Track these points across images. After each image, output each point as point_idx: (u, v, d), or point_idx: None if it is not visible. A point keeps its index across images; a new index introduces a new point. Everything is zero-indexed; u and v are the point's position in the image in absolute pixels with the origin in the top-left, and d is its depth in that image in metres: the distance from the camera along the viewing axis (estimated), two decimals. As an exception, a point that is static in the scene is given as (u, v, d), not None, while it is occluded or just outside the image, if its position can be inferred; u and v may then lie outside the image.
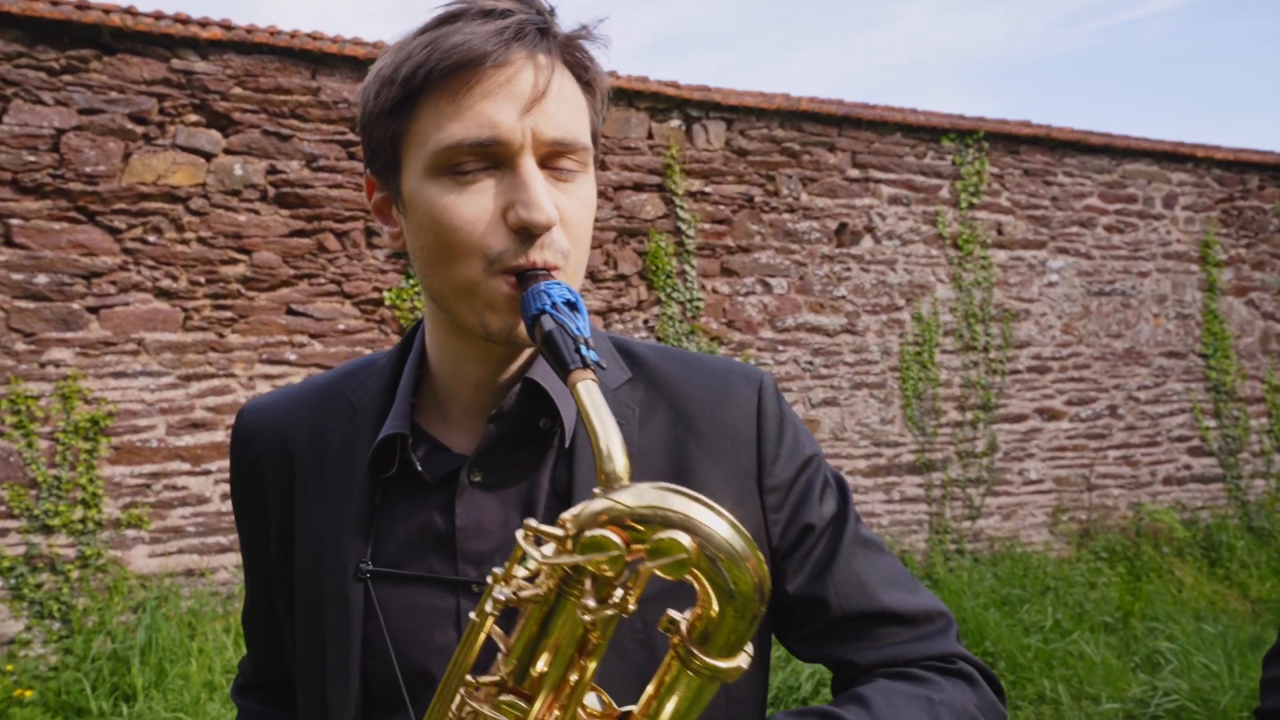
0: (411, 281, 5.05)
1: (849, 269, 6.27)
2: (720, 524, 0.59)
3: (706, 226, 5.81)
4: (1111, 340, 7.24)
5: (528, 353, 0.84)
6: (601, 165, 5.52)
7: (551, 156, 0.77)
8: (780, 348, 6.03)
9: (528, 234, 0.74)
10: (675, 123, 5.74)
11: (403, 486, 0.82)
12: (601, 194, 5.52)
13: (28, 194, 4.30)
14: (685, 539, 0.58)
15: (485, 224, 0.75)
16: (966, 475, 6.64)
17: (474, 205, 0.75)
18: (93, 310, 4.42)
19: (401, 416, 0.83)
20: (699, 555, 0.58)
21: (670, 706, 0.62)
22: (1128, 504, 7.21)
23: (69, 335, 4.36)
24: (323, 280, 4.89)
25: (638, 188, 5.62)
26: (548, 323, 0.68)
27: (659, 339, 5.66)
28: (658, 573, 0.58)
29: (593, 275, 5.50)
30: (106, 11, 4.49)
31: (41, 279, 4.31)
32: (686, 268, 5.73)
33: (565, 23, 0.82)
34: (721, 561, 0.58)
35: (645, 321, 5.65)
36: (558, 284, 0.72)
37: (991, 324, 6.76)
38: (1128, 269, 7.31)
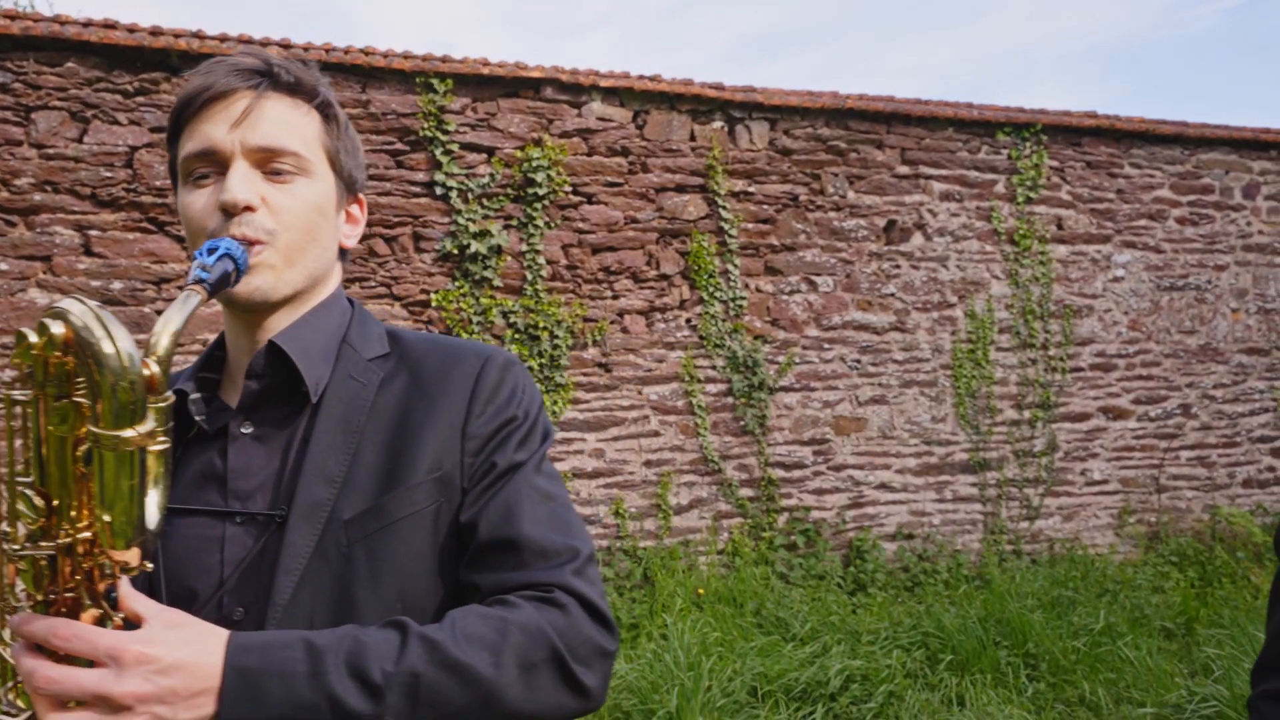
0: (458, 283, 5.26)
1: (898, 266, 6.22)
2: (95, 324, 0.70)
3: (750, 226, 5.86)
4: (1184, 336, 6.97)
5: (279, 317, 1.01)
6: (643, 168, 5.63)
7: (264, 161, 0.96)
8: (826, 346, 6.03)
9: (227, 213, 0.93)
10: (718, 124, 5.81)
11: (196, 438, 0.99)
12: (643, 195, 5.63)
13: (104, 207, 4.67)
14: (59, 328, 0.71)
15: (206, 211, 0.95)
16: (1024, 475, 6.50)
17: (201, 199, 0.96)
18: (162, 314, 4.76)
19: (186, 380, 1.02)
20: (75, 338, 0.71)
21: (101, 482, 0.73)
22: (1202, 507, 6.93)
23: (141, 337, 4.71)
24: (373, 283, 5.14)
25: (680, 189, 5.71)
26: (193, 265, 0.85)
27: (702, 338, 5.75)
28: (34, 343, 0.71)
29: (635, 276, 5.62)
30: (176, 36, 4.84)
31: (117, 285, 4.68)
32: (729, 267, 5.79)
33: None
34: (90, 342, 0.70)
35: (688, 320, 5.74)
36: (223, 240, 0.88)
37: (1051, 320, 6.60)
38: (1203, 262, 7.02)
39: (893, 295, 6.21)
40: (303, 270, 0.99)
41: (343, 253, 1.10)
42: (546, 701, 0.86)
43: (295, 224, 0.97)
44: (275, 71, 0.99)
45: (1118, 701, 4.42)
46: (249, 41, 4.97)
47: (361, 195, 1.12)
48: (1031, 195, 6.53)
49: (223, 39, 4.94)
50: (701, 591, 5.33)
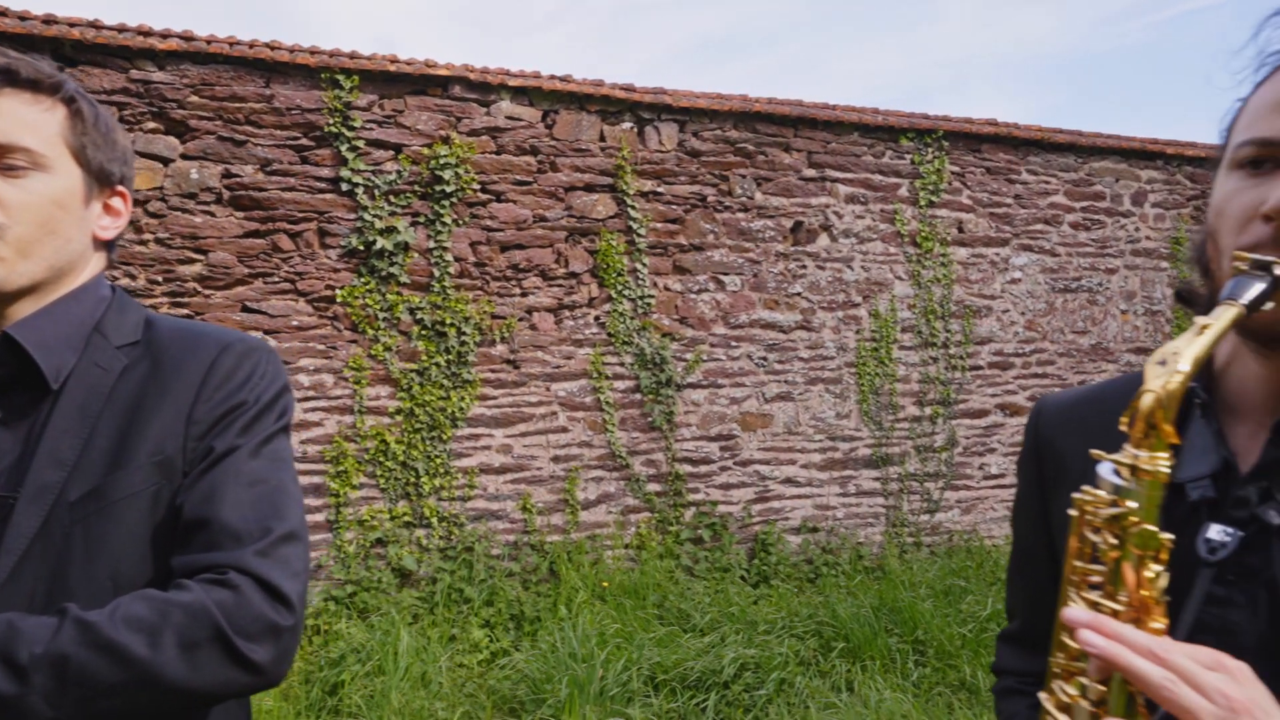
0: (364, 279, 5.26)
1: (804, 267, 6.39)
2: None
3: (659, 226, 5.97)
4: (1077, 336, 7.29)
5: (20, 307, 1.05)
6: (552, 167, 5.70)
7: None
8: (734, 344, 6.17)
9: None
10: (627, 125, 5.90)
11: None
12: (552, 194, 5.69)
13: None
14: None
15: None
16: (925, 469, 6.73)
17: None
18: None
19: None
20: None
21: None
22: (1093, 499, 7.25)
23: None
24: (277, 279, 5.12)
25: (589, 188, 5.79)
26: None
27: (610, 335, 5.84)
28: None
29: (544, 273, 5.68)
30: (71, 25, 4.75)
31: None
32: (638, 266, 5.89)
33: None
34: None
35: (596, 318, 5.82)
36: None
37: (951, 320, 6.85)
38: (1095, 266, 7.35)
39: (799, 295, 6.38)
40: (40, 262, 1.03)
41: (109, 244, 1.15)
42: (213, 678, 0.91)
43: (27, 218, 1.01)
44: (13, 68, 1.02)
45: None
46: (148, 33, 4.91)
47: (124, 188, 1.15)
48: (934, 199, 6.77)
49: (120, 29, 4.86)
50: (606, 584, 5.42)
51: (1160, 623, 0.73)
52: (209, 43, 4.99)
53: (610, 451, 5.83)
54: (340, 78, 5.16)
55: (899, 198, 6.69)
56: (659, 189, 5.97)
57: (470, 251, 5.51)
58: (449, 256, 5.43)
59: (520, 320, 5.63)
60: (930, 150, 6.76)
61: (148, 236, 4.84)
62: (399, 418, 5.34)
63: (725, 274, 6.16)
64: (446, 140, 5.42)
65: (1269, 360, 0.87)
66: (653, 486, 5.94)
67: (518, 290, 5.63)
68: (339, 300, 5.21)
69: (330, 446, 5.21)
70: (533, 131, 5.65)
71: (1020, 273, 7.09)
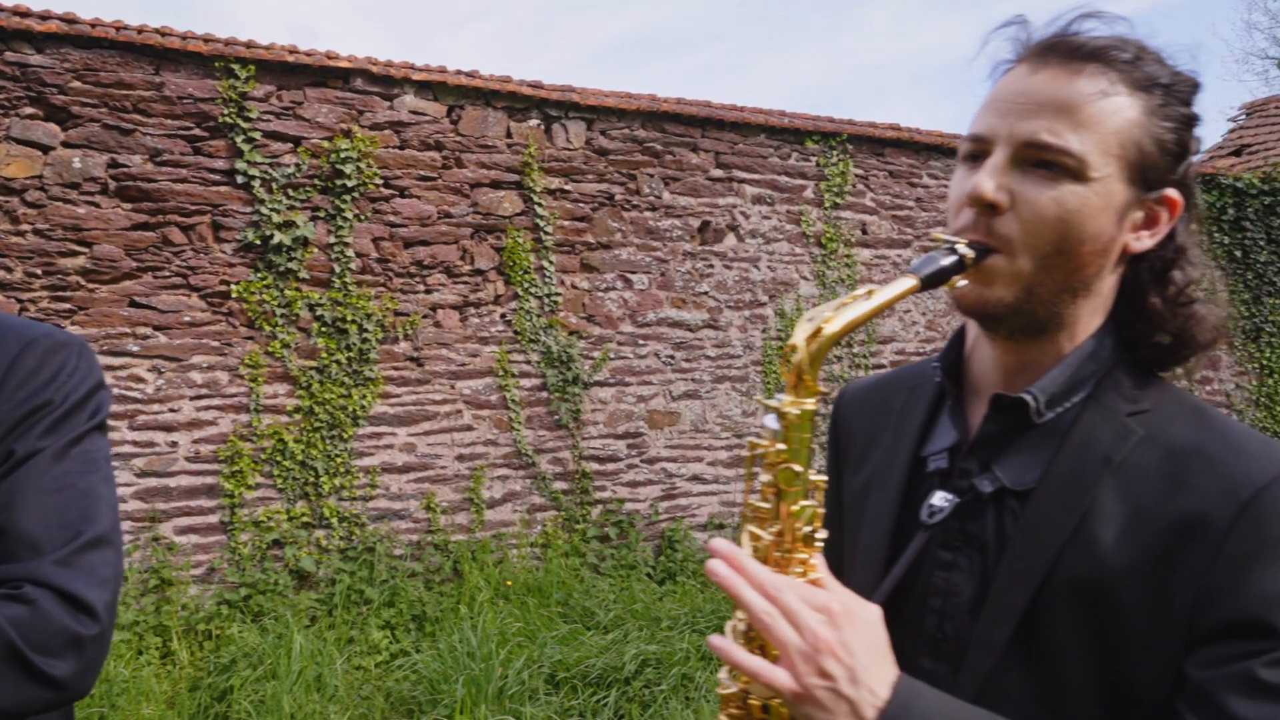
0: (260, 275, 5.13)
1: (712, 266, 6.47)
2: None
3: (566, 224, 5.96)
4: (975, 336, 7.54)
5: None
6: (457, 163, 5.64)
7: None
8: (641, 342, 6.21)
9: None
10: (534, 122, 5.88)
11: None
12: (457, 190, 5.64)
13: None
14: None
15: None
16: (829, 466, 6.88)
17: None
18: (-78, 301, 4.44)
19: None
20: None
21: None
22: (989, 493, 7.52)
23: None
24: (168, 273, 4.95)
25: (495, 185, 5.75)
26: None
27: (516, 333, 5.81)
28: None
29: (449, 270, 5.62)
30: (-59, 3, 4.51)
31: None
32: (545, 263, 5.88)
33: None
34: None
35: (503, 315, 5.79)
36: None
37: (855, 320, 7.01)
38: (991, 268, 7.61)
39: (706, 294, 6.45)
40: None
41: None
42: (10, 697, 0.89)
43: None
44: None
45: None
46: (25, 14, 4.69)
47: None
48: (838, 201, 6.92)
49: (23, 12, 4.63)
50: (509, 583, 5.40)
51: (805, 554, 0.80)
52: (93, 26, 4.79)
53: (516, 450, 5.81)
54: (235, 67, 5.02)
55: (804, 199, 6.82)
56: (566, 187, 5.96)
57: (373, 247, 5.42)
58: (350, 252, 5.33)
59: (424, 317, 5.56)
60: (835, 153, 6.91)
61: (25, 227, 4.63)
62: (298, 416, 5.22)
63: (633, 272, 6.19)
64: (348, 134, 5.31)
65: (993, 340, 0.92)
66: (559, 485, 5.94)
67: (422, 287, 5.56)
68: (234, 296, 5.07)
69: (225, 446, 5.06)
70: (438, 127, 5.59)
71: (921, 274, 7.30)
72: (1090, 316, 0.90)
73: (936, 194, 7.35)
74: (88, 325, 4.78)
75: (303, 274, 5.21)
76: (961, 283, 0.85)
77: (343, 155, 5.25)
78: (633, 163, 6.18)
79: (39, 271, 4.67)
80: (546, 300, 5.88)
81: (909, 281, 0.83)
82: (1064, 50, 0.85)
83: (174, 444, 4.96)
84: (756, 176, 6.63)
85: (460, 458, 5.65)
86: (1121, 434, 0.85)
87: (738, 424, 6.54)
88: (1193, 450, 0.82)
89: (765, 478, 0.81)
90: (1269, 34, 25.61)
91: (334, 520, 5.27)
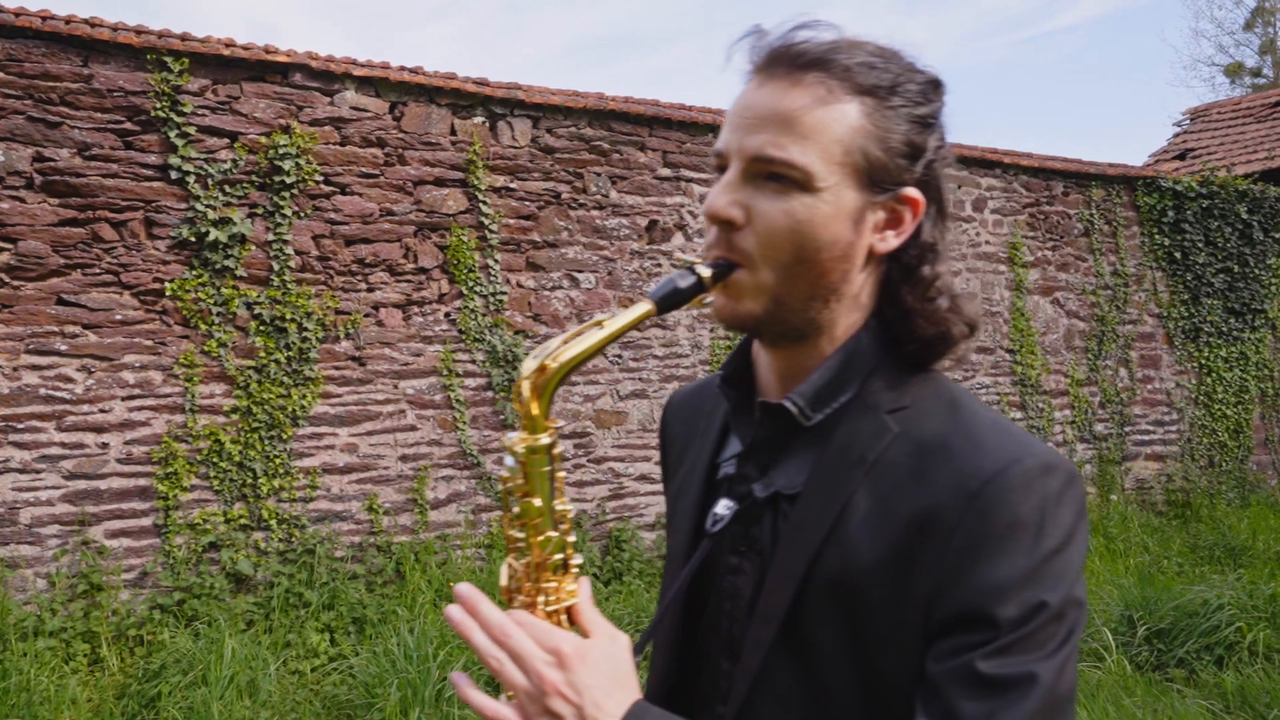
0: (196, 272, 5.02)
1: (659, 265, 6.46)
2: None
3: (511, 222, 5.92)
4: (921, 336, 7.61)
5: None
6: (400, 160, 5.57)
7: None
8: (588, 341, 6.18)
9: None
10: (479, 119, 5.83)
11: None
12: (400, 188, 5.57)
13: None
14: None
15: None
16: (777, 465, 6.91)
17: None
18: None
19: None
20: None
21: None
22: (935, 491, 7.60)
23: None
24: (98, 270, 4.82)
25: (439, 183, 5.69)
26: None
27: (461, 332, 5.75)
28: None
29: (391, 268, 5.55)
30: None
31: None
32: (490, 262, 5.83)
33: None
34: None
35: (447, 314, 5.73)
36: None
37: (803, 319, 7.05)
38: (938, 268, 7.70)
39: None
40: None
41: None
42: None
43: None
44: None
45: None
46: (-51, 2, 4.54)
47: None
48: (786, 201, 6.94)
49: (-84, -3, 4.48)
50: (452, 584, 5.34)
51: (556, 581, 0.84)
52: (16, 15, 4.66)
53: (461, 450, 5.75)
54: (168, 60, 4.91)
55: (753, 199, 6.84)
56: (512, 185, 5.92)
57: (313, 245, 5.33)
58: (290, 250, 5.24)
59: (366, 316, 5.49)
60: (783, 153, 6.93)
61: (-53, 223, 4.48)
62: (235, 416, 5.12)
63: (580, 271, 6.16)
64: (287, 129, 5.22)
65: (768, 348, 0.94)
66: (505, 485, 5.89)
67: (364, 285, 5.48)
68: (168, 294, 4.96)
69: (158, 447, 4.94)
70: (380, 124, 5.52)
71: (868, 274, 7.36)
72: (848, 318, 0.90)
73: (883, 195, 7.41)
74: (13, 324, 4.64)
75: (240, 272, 5.11)
76: (709, 300, 0.87)
77: (281, 151, 5.16)
78: (579, 161, 6.15)
79: (-39, 268, 4.52)
80: (492, 299, 5.83)
81: (643, 307, 0.84)
82: (785, 61, 0.85)
83: (105, 445, 4.84)
84: (705, 176, 6.63)
85: (404, 458, 5.58)
86: (878, 432, 0.86)
87: (686, 423, 6.54)
88: (937, 445, 0.83)
89: (516, 510, 0.84)
90: (1215, 41, 26.23)
91: (273, 522, 5.17)
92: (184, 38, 5.01)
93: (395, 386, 5.57)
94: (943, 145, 0.89)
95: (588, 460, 6.18)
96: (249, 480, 5.12)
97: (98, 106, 4.80)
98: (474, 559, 5.71)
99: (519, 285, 5.96)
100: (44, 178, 4.70)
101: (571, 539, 0.86)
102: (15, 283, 4.65)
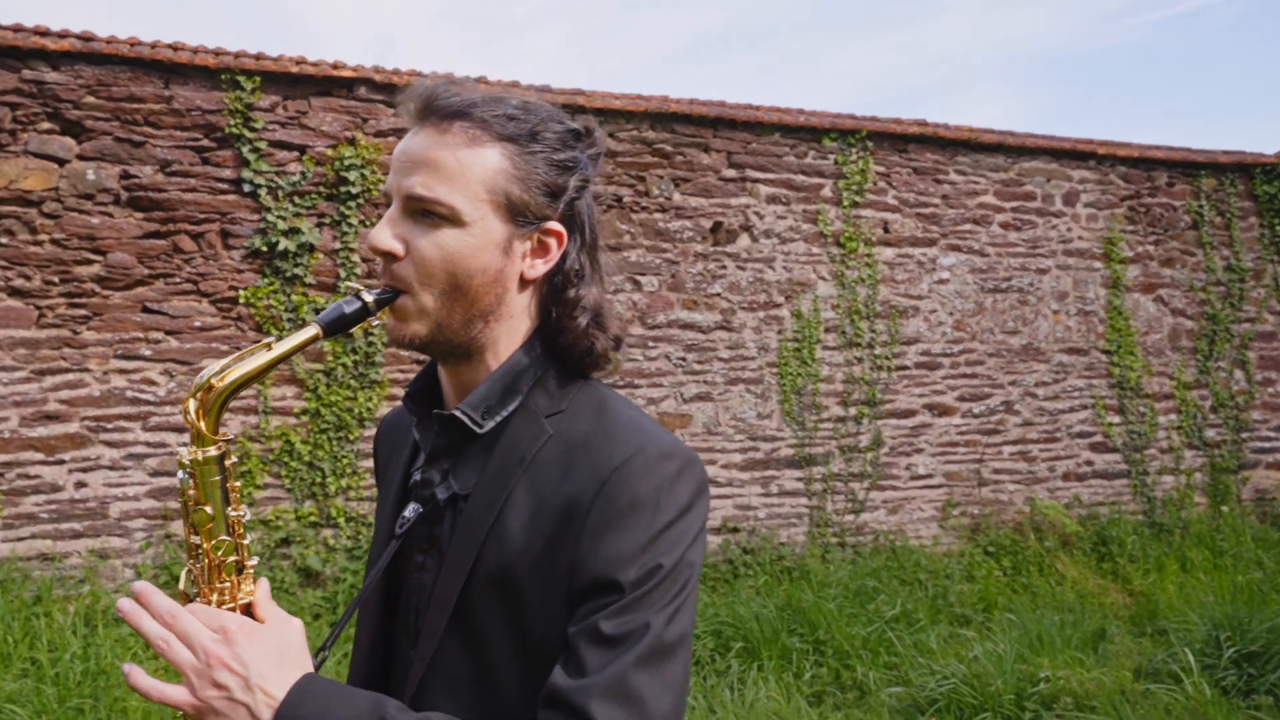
0: (268, 280, 5.26)
1: (724, 267, 6.40)
2: None
3: (573, 226, 5.96)
4: (1007, 336, 7.29)
5: None
6: (462, 167, 5.70)
7: None
8: (651, 344, 6.18)
9: None
10: (540, 125, 5.90)
11: None
12: (462, 195, 5.70)
13: (-118, 199, 4.57)
14: None
15: None
16: (849, 469, 6.73)
17: None
18: (-54, 308, 4.68)
19: None
20: None
21: None
22: (1023, 499, 7.26)
23: (-78, 332, 4.63)
24: (179, 279, 5.12)
25: (501, 189, 5.79)
26: None
27: (523, 335, 5.84)
28: None
29: (454, 274, 5.68)
30: (-34, 26, 4.76)
31: (-105, 279, 4.59)
32: (551, 266, 5.89)
33: None
34: None
35: (509, 318, 5.82)
36: None
37: (877, 320, 6.85)
38: (1025, 266, 7.36)
39: (719, 295, 6.38)
40: None
41: None
42: None
43: None
44: None
45: (891, 683, 4.64)
46: (44, 33, 4.91)
47: None
48: (858, 199, 6.77)
49: (16, 29, 4.86)
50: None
51: (229, 581, 0.91)
52: (107, 43, 5.00)
53: (523, 452, 5.83)
54: (241, 79, 5.17)
55: (822, 198, 6.70)
56: (574, 189, 5.97)
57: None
58: (355, 257, 5.43)
59: (430, 321, 5.63)
60: (854, 151, 6.77)
61: (43, 237, 4.84)
62: (305, 418, 5.34)
63: (642, 274, 6.16)
64: (352, 141, 5.42)
65: (442, 366, 1.05)
66: (567, 487, 5.94)
67: (427, 291, 5.63)
68: (242, 301, 5.21)
69: (234, 447, 5.20)
70: (442, 132, 5.65)
71: (948, 273, 7.10)
72: (510, 336, 1.02)
73: (964, 190, 7.14)
74: (103, 330, 4.97)
75: (309, 279, 5.33)
76: (377, 323, 0.98)
77: (347, 162, 5.36)
78: (642, 164, 6.16)
79: (56, 279, 4.88)
80: (553, 303, 5.89)
81: (311, 330, 0.92)
82: (435, 113, 0.97)
83: (185, 444, 5.11)
84: (771, 176, 6.54)
85: (466, 459, 5.70)
86: (536, 434, 0.97)
87: (752, 426, 6.45)
88: (582, 442, 0.95)
89: (192, 518, 0.92)
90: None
91: (340, 520, 5.37)
92: (258, 57, 5.27)
93: (458, 389, 5.69)
94: (585, 185, 1.02)
95: (651, 463, 6.16)
96: (318, 479, 5.33)
97: (177, 125, 5.09)
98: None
99: (581, 289, 6.00)
100: (130, 193, 5.01)
101: (246, 542, 0.94)
102: (105, 292, 4.97)
